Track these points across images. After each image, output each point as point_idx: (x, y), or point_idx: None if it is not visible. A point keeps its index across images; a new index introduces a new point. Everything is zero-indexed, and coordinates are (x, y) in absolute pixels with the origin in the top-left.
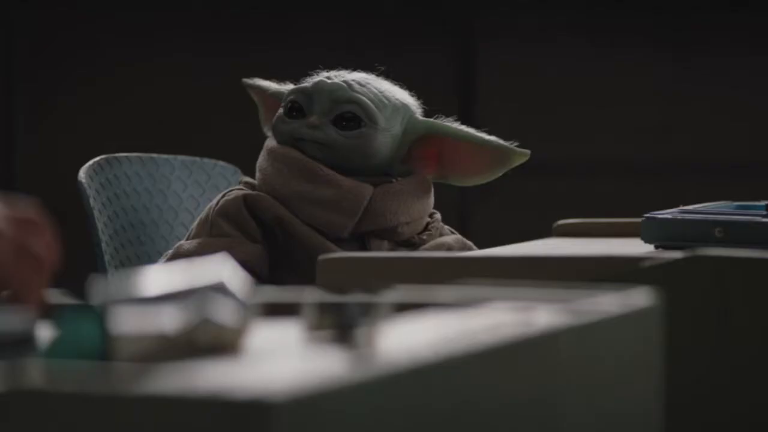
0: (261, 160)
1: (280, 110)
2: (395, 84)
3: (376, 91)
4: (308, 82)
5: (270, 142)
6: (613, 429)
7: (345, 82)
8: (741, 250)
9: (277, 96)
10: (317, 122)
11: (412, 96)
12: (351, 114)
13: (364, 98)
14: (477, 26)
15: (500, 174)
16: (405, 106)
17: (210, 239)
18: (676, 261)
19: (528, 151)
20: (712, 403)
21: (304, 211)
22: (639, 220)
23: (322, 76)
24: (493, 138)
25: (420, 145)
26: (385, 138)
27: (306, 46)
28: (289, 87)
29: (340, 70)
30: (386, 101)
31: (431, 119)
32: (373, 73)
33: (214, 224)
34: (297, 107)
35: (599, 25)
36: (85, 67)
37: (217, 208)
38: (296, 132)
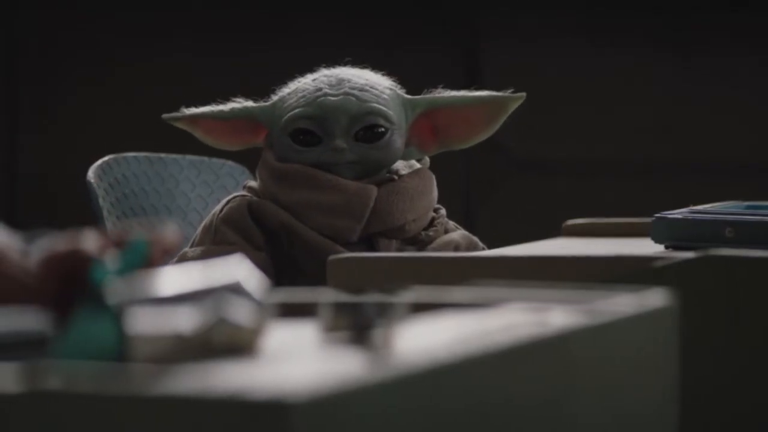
0: (261, 172)
1: (286, 139)
2: (367, 68)
3: (374, 90)
4: (305, 105)
5: (268, 158)
6: (628, 429)
7: (347, 93)
8: (752, 250)
9: (218, 117)
10: (344, 145)
11: (393, 80)
12: (373, 124)
13: (376, 105)
14: (478, 27)
15: (500, 123)
16: (394, 92)
17: (214, 247)
18: (687, 261)
19: (523, 94)
20: (723, 403)
21: (311, 218)
22: (648, 219)
23: (308, 83)
24: (484, 93)
25: (414, 123)
26: (401, 133)
27: (306, 46)
28: (228, 106)
29: (314, 72)
30: (386, 96)
31: (420, 96)
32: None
33: (218, 231)
34: (305, 131)
35: (600, 25)
36: (86, 67)
37: (221, 215)
38: (322, 159)
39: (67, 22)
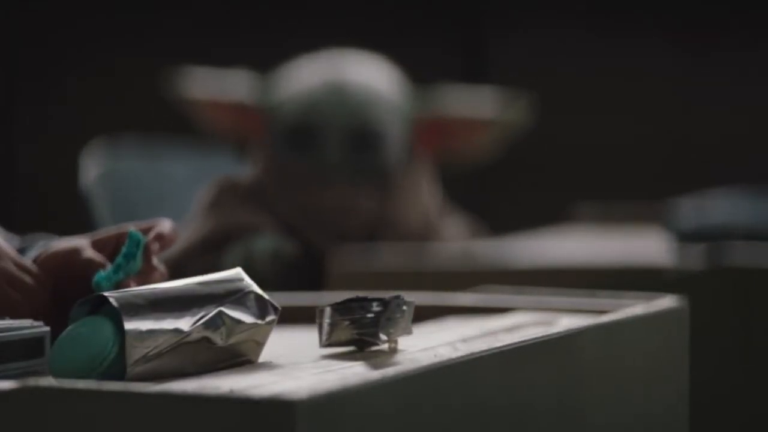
0: (257, 170)
1: (283, 143)
2: (372, 55)
3: (373, 98)
4: (303, 112)
5: (264, 158)
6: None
7: (345, 102)
8: (763, 254)
9: (225, 103)
10: (341, 152)
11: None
12: (369, 134)
13: (374, 115)
14: (486, 19)
15: (507, 131)
16: (395, 95)
17: (219, 219)
18: (699, 273)
19: (521, 110)
20: (730, 406)
21: (312, 223)
22: (658, 203)
23: (304, 89)
24: (485, 109)
25: (417, 126)
26: (399, 139)
27: (307, 45)
28: (235, 92)
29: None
30: (385, 103)
31: (424, 99)
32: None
33: (222, 203)
34: (302, 137)
35: (612, 14)
36: (84, 66)
37: (220, 188)
38: (319, 165)
39: (67, 21)
